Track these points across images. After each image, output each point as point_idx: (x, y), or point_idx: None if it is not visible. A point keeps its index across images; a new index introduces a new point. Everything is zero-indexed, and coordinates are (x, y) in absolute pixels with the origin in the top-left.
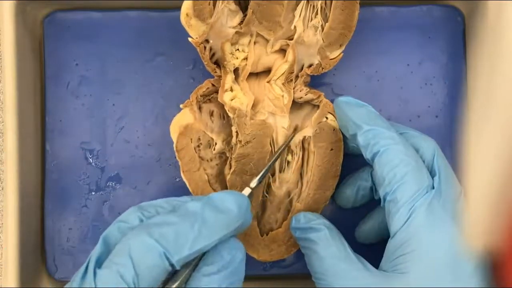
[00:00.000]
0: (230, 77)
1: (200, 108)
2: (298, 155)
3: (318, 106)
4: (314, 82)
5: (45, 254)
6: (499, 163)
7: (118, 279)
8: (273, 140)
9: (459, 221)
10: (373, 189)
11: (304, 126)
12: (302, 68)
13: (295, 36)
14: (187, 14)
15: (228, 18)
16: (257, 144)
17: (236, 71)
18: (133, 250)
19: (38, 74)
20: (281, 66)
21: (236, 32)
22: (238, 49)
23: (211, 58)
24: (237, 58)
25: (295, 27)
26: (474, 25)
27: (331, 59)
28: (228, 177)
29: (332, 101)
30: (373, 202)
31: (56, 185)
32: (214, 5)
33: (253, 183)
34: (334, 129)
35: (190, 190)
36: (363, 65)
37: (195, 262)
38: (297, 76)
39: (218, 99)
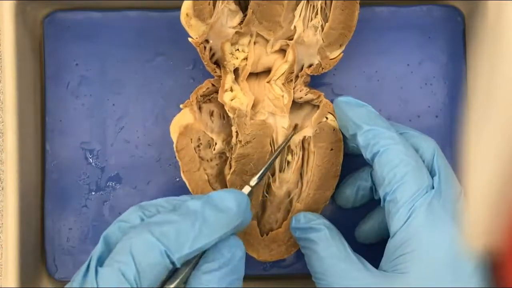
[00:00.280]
0: (230, 77)
1: (200, 108)
2: (298, 155)
3: (318, 106)
4: (314, 82)
5: (45, 254)
6: (499, 163)
7: (120, 277)
8: (273, 140)
9: (459, 221)
10: (373, 189)
11: (304, 126)
12: (302, 68)
13: (295, 36)
14: (187, 14)
15: (228, 18)
16: (257, 144)
17: (236, 71)
18: (135, 248)
19: (38, 74)
20: (281, 66)
21: (236, 32)
22: (238, 49)
23: (211, 58)
24: (237, 58)
25: (295, 27)
26: (474, 25)
27: (331, 59)
28: (228, 177)
29: (332, 101)
30: (373, 202)
31: (56, 185)
32: (214, 5)
33: (253, 182)
34: (334, 129)
35: (190, 190)
36: (363, 65)
37: (196, 260)
38: (297, 76)
39: (218, 99)
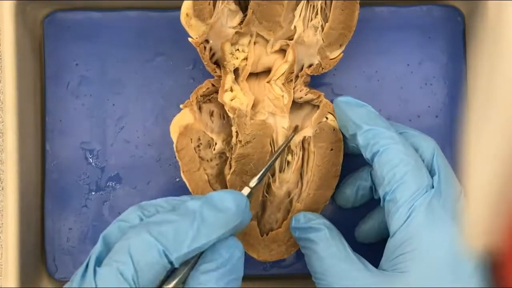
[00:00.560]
0: (230, 77)
1: (200, 108)
2: (298, 155)
3: (318, 106)
4: (314, 82)
5: (45, 254)
6: (499, 163)
7: (118, 277)
8: (273, 140)
9: (459, 221)
10: (373, 188)
11: (304, 126)
12: (302, 68)
13: (295, 36)
14: (187, 14)
15: (228, 18)
16: (257, 144)
17: (236, 71)
18: (133, 248)
19: (38, 74)
20: (281, 66)
21: (236, 32)
22: (238, 49)
23: (211, 58)
24: (237, 58)
25: (295, 27)
26: (474, 25)
27: (331, 59)
28: (228, 177)
29: (332, 101)
30: (373, 202)
31: (56, 185)
32: (214, 5)
33: (253, 183)
34: (334, 129)
35: (190, 190)
36: (363, 65)
37: (194, 260)
38: (297, 76)
39: (218, 99)
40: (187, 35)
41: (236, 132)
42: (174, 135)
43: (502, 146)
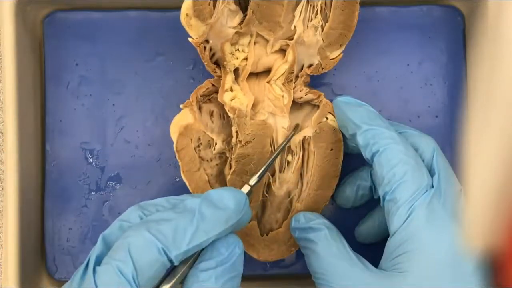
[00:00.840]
0: (230, 77)
1: (200, 108)
2: (298, 155)
3: (318, 106)
4: (314, 82)
5: (45, 254)
6: (499, 163)
7: (118, 275)
8: (273, 140)
9: (459, 220)
10: (373, 188)
11: (304, 126)
12: (302, 68)
13: (295, 36)
14: (187, 14)
15: (228, 18)
16: (257, 144)
17: (236, 71)
18: (132, 246)
19: (38, 74)
20: (281, 66)
21: (236, 32)
22: (238, 49)
23: (211, 58)
24: (237, 58)
25: (295, 27)
26: (474, 25)
27: (331, 59)
28: (228, 177)
29: (332, 101)
30: (373, 202)
31: (56, 185)
32: (214, 5)
33: (252, 181)
34: (334, 129)
35: (190, 190)
36: (363, 65)
37: (194, 258)
38: (297, 76)
39: (218, 99)
40: (187, 35)
41: (236, 132)
42: (174, 135)
43: (502, 146)
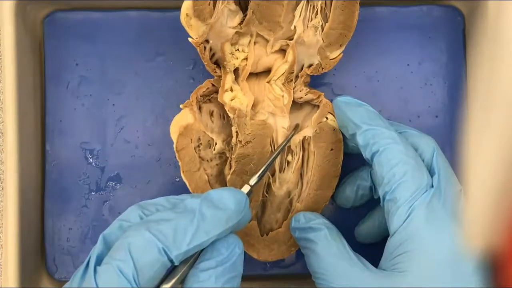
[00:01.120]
0: (230, 77)
1: (200, 108)
2: (298, 155)
3: (318, 106)
4: (314, 82)
5: (45, 254)
6: (499, 163)
7: (118, 275)
8: (273, 140)
9: (459, 220)
10: (373, 188)
11: (304, 126)
12: (302, 68)
13: (295, 36)
14: (187, 14)
15: (228, 18)
16: (257, 144)
17: (236, 71)
18: (133, 246)
19: (38, 74)
20: (281, 66)
21: (236, 32)
22: (238, 49)
23: (211, 58)
24: (237, 58)
25: (295, 27)
26: (474, 25)
27: (331, 59)
28: (228, 177)
29: (331, 101)
30: (373, 202)
31: (56, 185)
32: (214, 5)
33: (253, 181)
34: (334, 129)
35: (190, 190)
36: (363, 65)
37: (194, 258)
38: (297, 76)
39: (218, 99)
40: (187, 35)
41: (236, 132)
42: (174, 135)
43: (502, 146)
